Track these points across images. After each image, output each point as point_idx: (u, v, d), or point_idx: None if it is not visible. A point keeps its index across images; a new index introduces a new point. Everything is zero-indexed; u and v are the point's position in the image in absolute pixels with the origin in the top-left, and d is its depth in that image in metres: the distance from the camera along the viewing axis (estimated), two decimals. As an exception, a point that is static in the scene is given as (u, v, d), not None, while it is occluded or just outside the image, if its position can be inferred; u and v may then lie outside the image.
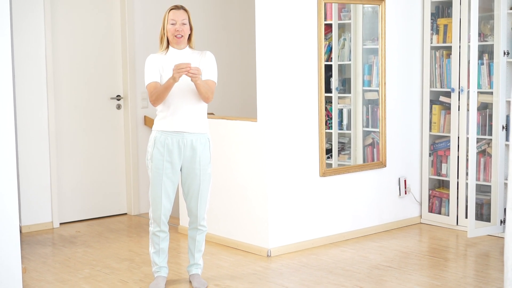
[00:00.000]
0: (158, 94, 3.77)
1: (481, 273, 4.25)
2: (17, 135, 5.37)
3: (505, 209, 4.94)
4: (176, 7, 3.88)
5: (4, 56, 3.52)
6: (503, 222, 4.96)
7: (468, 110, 5.06)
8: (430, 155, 5.47)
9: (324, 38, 4.85)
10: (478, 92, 4.96)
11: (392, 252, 4.69)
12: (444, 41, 5.30)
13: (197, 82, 3.72)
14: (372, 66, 5.28)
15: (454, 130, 5.22)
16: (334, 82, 5.18)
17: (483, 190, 5.16)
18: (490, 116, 5.03)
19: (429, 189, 5.49)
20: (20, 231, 5.38)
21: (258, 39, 4.59)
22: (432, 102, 5.43)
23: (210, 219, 4.78)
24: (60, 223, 5.68)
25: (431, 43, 5.37)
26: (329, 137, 5.13)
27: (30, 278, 4.23)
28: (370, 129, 5.31)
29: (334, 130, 5.21)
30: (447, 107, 5.34)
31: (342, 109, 5.28)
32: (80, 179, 5.79)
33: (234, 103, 6.53)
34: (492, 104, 5.00)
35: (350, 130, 5.29)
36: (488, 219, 5.06)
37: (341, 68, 5.28)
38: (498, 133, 4.91)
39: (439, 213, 5.43)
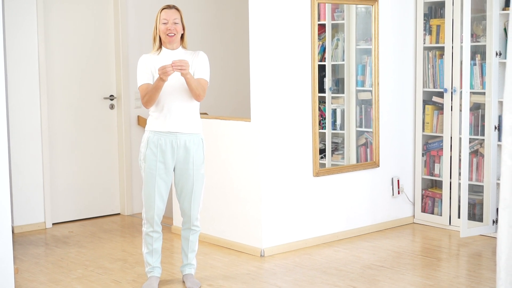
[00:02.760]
0: (150, 96, 3.76)
1: (473, 273, 4.26)
2: (10, 135, 5.35)
3: (497, 209, 4.96)
4: (168, 7, 3.88)
5: (-4, 56, 3.51)
6: (495, 222, 4.98)
7: (460, 110, 5.08)
8: (423, 155, 5.49)
9: (318, 38, 4.86)
10: (470, 92, 4.98)
11: (385, 252, 4.70)
12: (437, 42, 5.32)
13: (187, 76, 3.71)
14: (365, 67, 5.29)
15: (447, 130, 5.24)
16: (328, 82, 5.18)
17: (476, 190, 5.18)
18: (483, 116, 5.04)
19: (422, 189, 5.50)
20: (13, 232, 5.36)
21: (252, 39, 4.59)
22: (425, 102, 5.44)
23: (203, 219, 4.77)
24: (53, 223, 5.66)
25: (424, 43, 5.39)
26: (322, 137, 5.13)
27: (23, 279, 4.22)
28: (363, 129, 5.32)
29: (328, 130, 5.22)
30: (440, 107, 5.35)
31: (335, 109, 5.28)
32: (73, 179, 5.78)
33: (228, 103, 6.53)
34: (484, 104, 5.02)
35: (343, 130, 5.30)
36: (480, 219, 5.08)
37: (335, 68, 5.29)
38: (490, 133, 4.92)
39: (432, 213, 5.44)
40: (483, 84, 5.04)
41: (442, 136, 5.32)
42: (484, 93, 5.01)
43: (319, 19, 4.90)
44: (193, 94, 3.81)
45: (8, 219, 3.59)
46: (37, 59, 5.48)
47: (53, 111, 5.65)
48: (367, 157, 5.31)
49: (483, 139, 5.04)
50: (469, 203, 5.06)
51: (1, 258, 3.56)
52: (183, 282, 4.08)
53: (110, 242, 5.09)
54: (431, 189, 5.49)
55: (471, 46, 4.95)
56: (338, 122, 5.30)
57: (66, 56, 5.71)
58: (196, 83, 3.78)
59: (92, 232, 5.44)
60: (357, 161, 5.31)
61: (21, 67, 5.41)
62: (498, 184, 4.96)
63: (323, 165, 5.07)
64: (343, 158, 5.29)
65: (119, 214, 6.06)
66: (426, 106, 5.42)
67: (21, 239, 5.23)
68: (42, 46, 5.50)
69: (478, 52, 5.07)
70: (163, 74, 3.64)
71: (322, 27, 5.09)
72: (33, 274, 4.33)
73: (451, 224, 5.28)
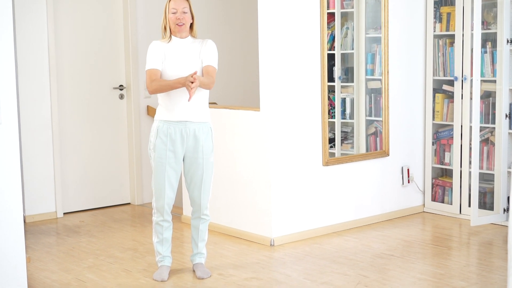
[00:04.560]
0: (161, 88, 3.77)
1: (484, 261, 4.26)
2: (21, 126, 5.37)
3: (508, 197, 4.94)
4: (176, -4, 3.88)
5: (7, 48, 3.52)
6: (506, 210, 4.96)
7: (471, 98, 5.05)
8: (433, 144, 5.46)
9: (327, 27, 4.84)
10: (481, 80, 4.95)
11: (395, 241, 4.70)
12: (447, 30, 5.28)
13: (199, 86, 3.73)
14: (375, 55, 5.26)
15: (457, 118, 5.21)
16: (337, 71, 5.17)
17: (486, 178, 5.16)
18: (493, 104, 5.01)
19: (432, 178, 5.49)
20: (24, 221, 5.40)
21: (261, 28, 4.58)
22: (435, 91, 5.41)
23: (213, 209, 4.78)
24: (64, 213, 5.70)
25: (434, 31, 5.35)
26: (332, 126, 5.12)
27: (34, 268, 4.25)
28: (373, 118, 5.30)
29: (337, 119, 5.21)
30: (450, 96, 5.32)
31: (345, 98, 5.27)
32: (84, 169, 5.80)
33: (237, 93, 6.52)
34: (495, 92, 4.98)
35: (353, 119, 5.28)
36: (491, 208, 5.07)
37: (344, 57, 5.27)
38: (501, 122, 4.90)
39: (442, 201, 5.43)
40: (493, 72, 5.00)
41: (452, 125, 5.29)
42: (495, 81, 4.98)
43: (328, 8, 4.87)
44: (205, 88, 3.83)
45: (20, 209, 3.61)
46: (47, 50, 5.50)
47: (63, 101, 5.67)
48: (377, 146, 5.30)
49: (494, 127, 5.01)
50: (479, 192, 5.04)
51: (13, 247, 3.59)
52: (193, 271, 4.09)
53: (121, 232, 5.12)
54: (441, 178, 5.48)
55: (482, 34, 4.91)
56: (348, 111, 5.28)
57: (75, 47, 5.72)
58: (205, 80, 3.78)
59: (103, 221, 5.47)
60: (367, 150, 5.30)
61: (31, 59, 5.43)
62: (509, 173, 4.94)
63: (332, 154, 5.07)
64: (352, 147, 5.28)
65: (129, 203, 6.08)
66: (436, 94, 5.39)
67: (32, 228, 5.27)
68: (52, 37, 5.51)
69: (489, 40, 5.03)
70: (188, 86, 3.65)
71: (331, 16, 5.07)
72: (44, 263, 4.37)
73: (461, 212, 5.27)
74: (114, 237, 4.97)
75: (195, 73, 3.66)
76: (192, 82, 3.63)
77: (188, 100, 3.69)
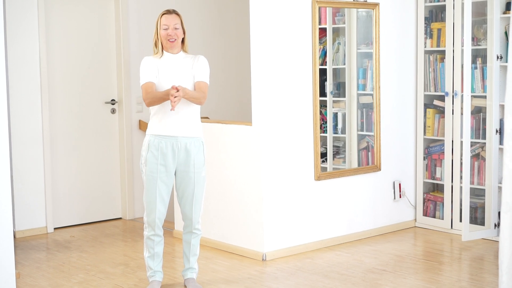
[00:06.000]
0: (154, 100, 3.79)
1: (475, 276, 4.26)
2: (11, 139, 5.35)
3: (499, 212, 4.96)
4: (168, 12, 3.89)
5: (-2, 61, 3.52)
6: (497, 225, 4.97)
7: (462, 114, 5.08)
8: (424, 159, 5.48)
9: (319, 42, 4.86)
10: (471, 96, 4.98)
11: (387, 256, 4.70)
12: (438, 45, 5.33)
13: (185, 98, 3.74)
14: (366, 70, 5.29)
15: (448, 134, 5.24)
16: (329, 86, 5.19)
17: (477, 193, 5.18)
18: (484, 120, 5.04)
19: (423, 193, 5.50)
20: (14, 236, 5.36)
21: (253, 43, 4.60)
22: (426, 106, 5.44)
23: (205, 223, 4.77)
24: (55, 228, 5.66)
25: (425, 47, 5.39)
26: (324, 141, 5.13)
27: (24, 284, 4.22)
28: (364, 132, 5.32)
29: (329, 134, 5.22)
30: (441, 111, 5.35)
31: (336, 113, 5.29)
32: (75, 183, 5.78)
33: (229, 107, 6.53)
34: (485, 108, 5.02)
35: (344, 134, 5.30)
36: (482, 223, 5.08)
37: (336, 72, 5.29)
38: (491, 137, 4.92)
39: (434, 216, 5.44)
40: (484, 87, 5.04)
41: (443, 140, 5.32)
42: (485, 97, 5.01)
43: (320, 23, 4.90)
44: (196, 103, 3.84)
45: (10, 223, 3.59)
46: (39, 64, 5.49)
47: (55, 115, 5.66)
48: (369, 160, 5.31)
49: (485, 143, 5.03)
50: (470, 207, 5.05)
51: (2, 262, 3.56)
52: (185, 286, 4.07)
53: (112, 247, 5.09)
54: (433, 193, 5.49)
55: (472, 50, 4.95)
56: (340, 126, 5.30)
57: (67, 60, 5.72)
58: (195, 94, 3.81)
59: (94, 236, 5.44)
60: (359, 165, 5.31)
61: (22, 72, 5.42)
62: (499, 188, 4.95)
63: (324, 169, 5.07)
64: (344, 162, 5.29)
65: (120, 218, 6.06)
66: (427, 109, 5.42)
67: (22, 243, 5.23)
68: (44, 51, 5.51)
69: (479, 56, 5.07)
70: (172, 100, 3.67)
71: (323, 31, 5.10)
72: (34, 279, 4.33)
73: (452, 227, 5.27)
74: (105, 252, 4.94)
75: (174, 87, 3.67)
76: (176, 91, 3.64)
77: (171, 110, 3.69)
